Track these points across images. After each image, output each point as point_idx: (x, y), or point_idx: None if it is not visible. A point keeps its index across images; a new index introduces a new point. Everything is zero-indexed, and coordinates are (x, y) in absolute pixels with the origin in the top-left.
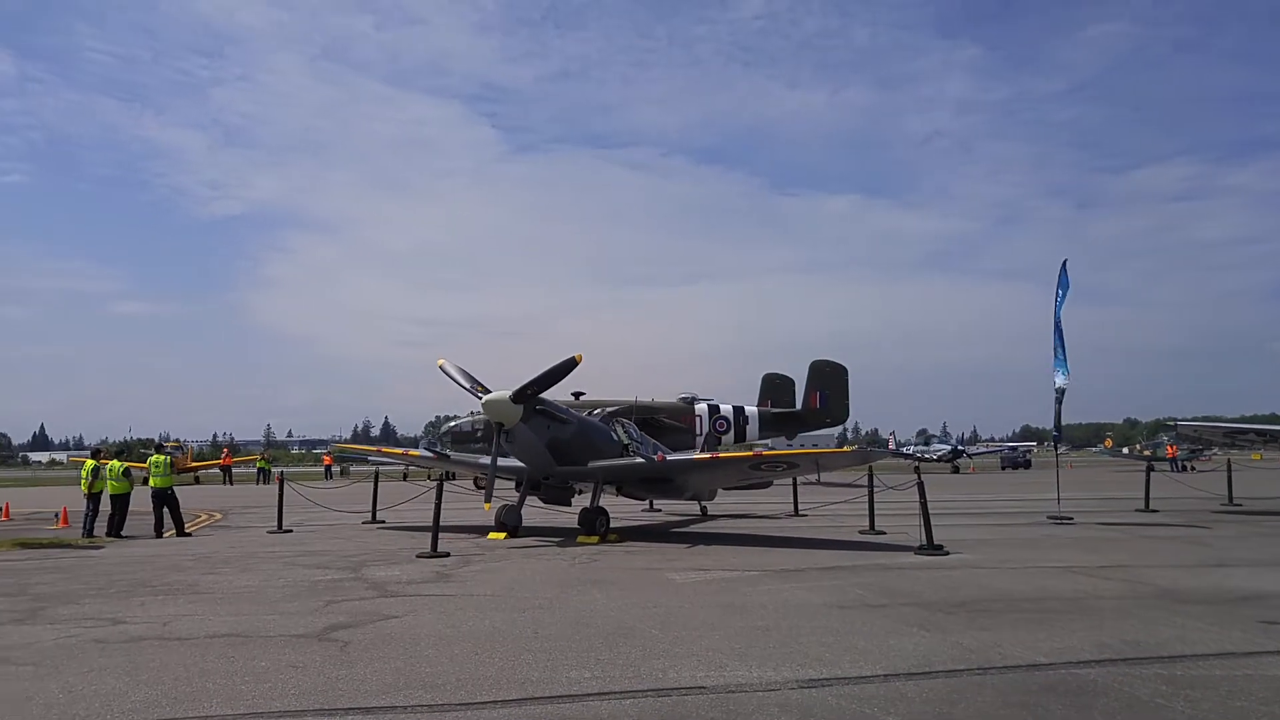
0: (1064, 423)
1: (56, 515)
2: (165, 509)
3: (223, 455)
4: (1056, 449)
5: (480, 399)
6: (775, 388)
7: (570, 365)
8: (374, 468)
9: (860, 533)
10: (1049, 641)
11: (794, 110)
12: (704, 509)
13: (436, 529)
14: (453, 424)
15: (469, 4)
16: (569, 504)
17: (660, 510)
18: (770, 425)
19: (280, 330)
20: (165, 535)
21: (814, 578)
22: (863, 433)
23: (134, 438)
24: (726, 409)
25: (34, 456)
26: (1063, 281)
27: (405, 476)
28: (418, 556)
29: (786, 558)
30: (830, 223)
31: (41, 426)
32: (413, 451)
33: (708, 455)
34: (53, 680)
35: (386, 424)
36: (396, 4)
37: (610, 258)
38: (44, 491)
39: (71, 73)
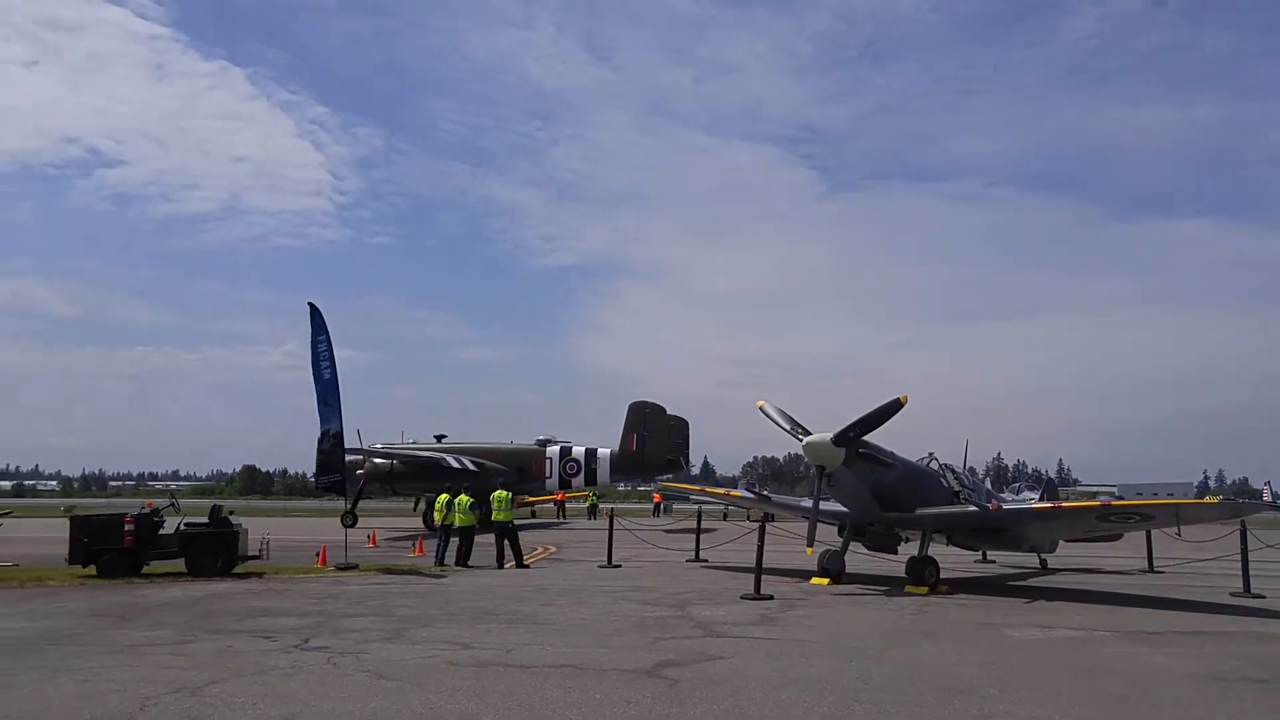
0: None
1: (413, 544)
2: (506, 541)
3: (557, 491)
4: None
5: (800, 440)
6: (671, 430)
7: (895, 407)
8: (696, 506)
9: (1232, 595)
10: None
11: (1133, 130)
12: (1043, 562)
13: (759, 571)
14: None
15: (784, 50)
16: (895, 551)
17: (994, 562)
18: (620, 468)
19: (608, 372)
20: (506, 566)
21: (1175, 642)
22: (1228, 482)
23: None
24: (578, 451)
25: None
26: None
27: (725, 516)
28: (741, 598)
29: (1141, 618)
30: (1180, 249)
31: None
32: (734, 492)
33: (1049, 505)
34: (416, 696)
35: (705, 463)
36: (714, 56)
37: (932, 293)
38: (401, 521)
39: (429, 143)
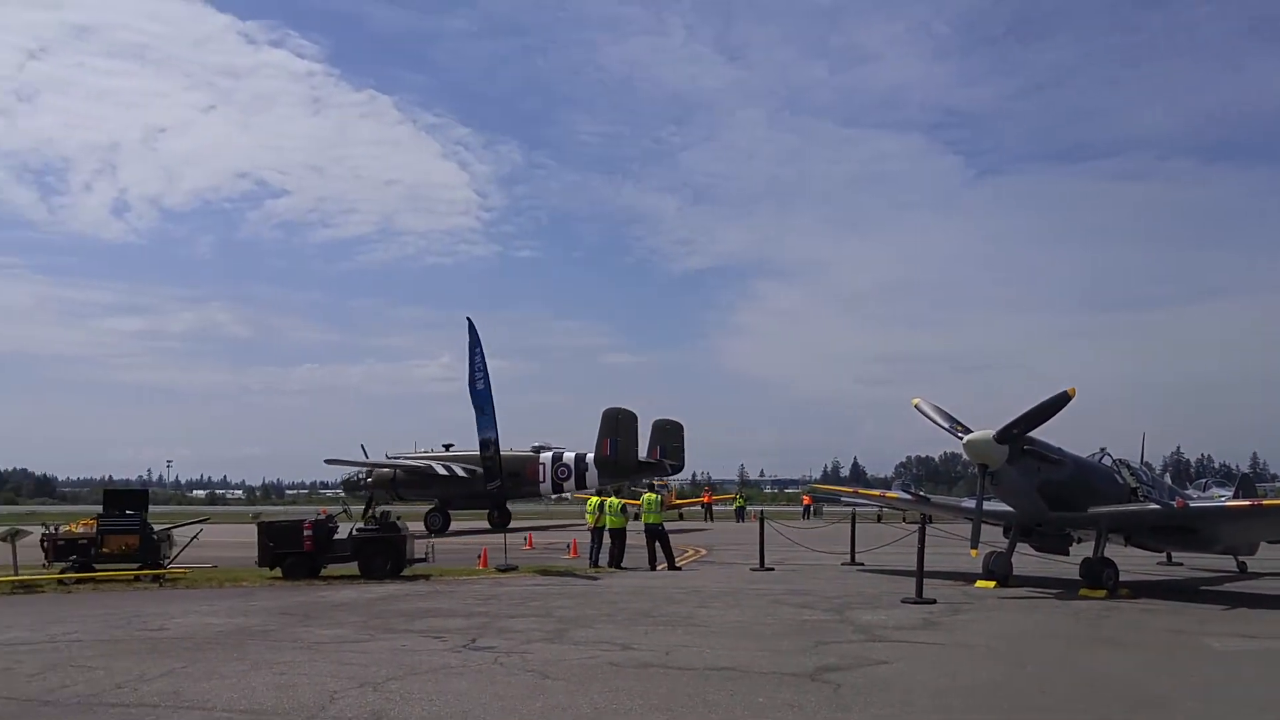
0: None
1: (568, 546)
2: (657, 543)
3: (704, 494)
4: None
5: (960, 439)
6: (665, 434)
7: (1062, 401)
8: (848, 508)
9: None
10: None
11: None
12: (1242, 565)
13: (921, 574)
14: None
15: (923, 33)
16: (1066, 553)
17: (1180, 564)
18: (608, 473)
19: (750, 374)
20: (658, 568)
21: None
22: None
23: None
24: (569, 456)
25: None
26: None
27: (879, 519)
28: (902, 601)
29: None
30: None
31: None
32: (889, 493)
33: (1246, 503)
34: (581, 696)
35: (855, 464)
36: (848, 46)
37: (1096, 278)
38: (555, 524)
39: (567, 155)
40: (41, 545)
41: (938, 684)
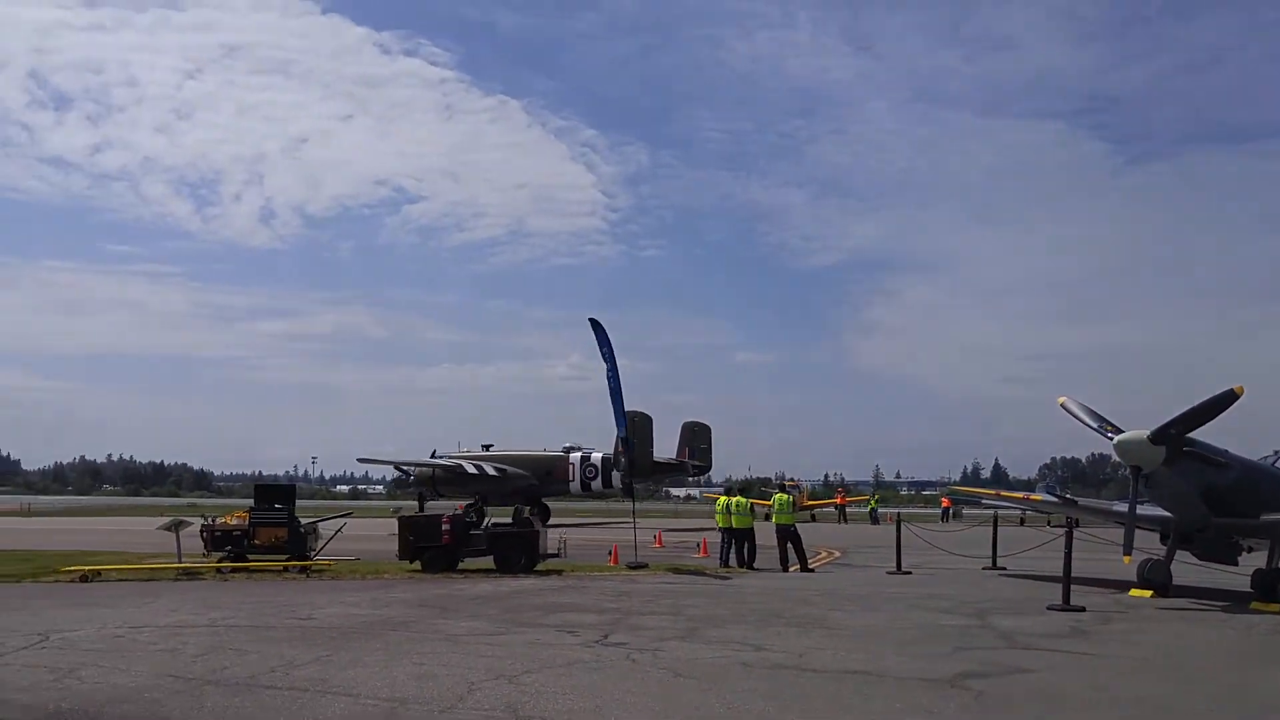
0: None
1: (698, 545)
2: (789, 544)
3: (837, 494)
4: None
5: (1110, 439)
6: (694, 435)
7: (1228, 399)
8: (989, 511)
9: None
10: None
11: None
12: None
13: (1068, 579)
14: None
15: (1065, 16)
16: (1234, 562)
17: None
18: (625, 472)
19: (884, 372)
20: (790, 570)
21: None
22: None
23: (754, 476)
24: (596, 457)
25: (674, 491)
26: None
27: (1022, 521)
28: (1048, 608)
29: None
30: None
31: None
32: (1034, 496)
33: None
34: (714, 695)
35: (996, 465)
36: (985, 33)
37: (1268, 266)
38: (684, 523)
39: (692, 153)
40: (201, 535)
41: (1088, 696)
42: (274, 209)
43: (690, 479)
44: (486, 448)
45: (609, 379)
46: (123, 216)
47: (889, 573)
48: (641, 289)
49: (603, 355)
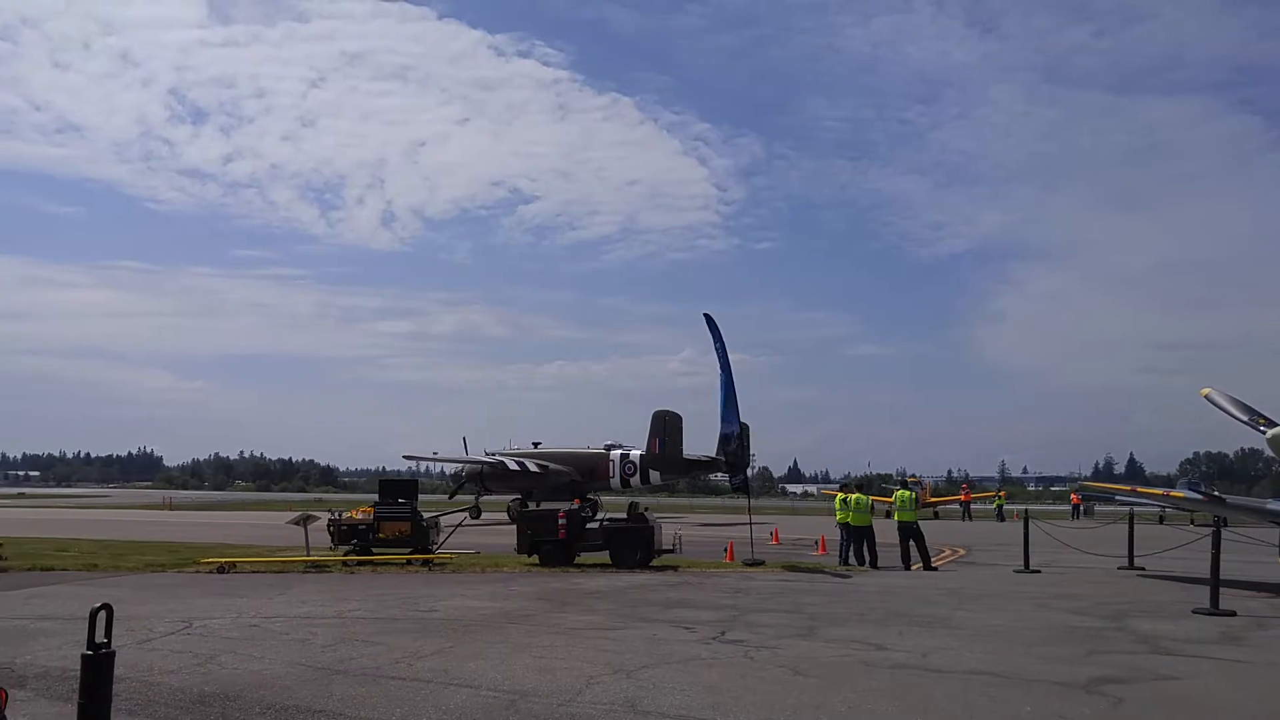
0: None
1: (816, 543)
2: (911, 542)
3: (962, 490)
4: None
5: (1263, 433)
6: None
7: None
8: (1124, 508)
9: None
10: None
11: None
12: None
13: (1216, 581)
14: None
15: None
16: None
17: None
18: (659, 471)
19: (1010, 364)
20: (913, 568)
21: None
22: None
23: (874, 472)
24: (635, 454)
25: (790, 488)
26: None
27: (1161, 520)
28: (1193, 612)
29: None
30: None
31: (795, 461)
32: (1175, 492)
33: None
34: (835, 695)
35: (1131, 460)
36: (1117, 6)
37: None
38: (801, 520)
39: (808, 143)
40: (328, 529)
41: (1242, 706)
42: (395, 212)
43: (717, 476)
44: (535, 445)
45: (721, 369)
46: (253, 222)
47: (1016, 571)
48: (755, 282)
49: (715, 350)
